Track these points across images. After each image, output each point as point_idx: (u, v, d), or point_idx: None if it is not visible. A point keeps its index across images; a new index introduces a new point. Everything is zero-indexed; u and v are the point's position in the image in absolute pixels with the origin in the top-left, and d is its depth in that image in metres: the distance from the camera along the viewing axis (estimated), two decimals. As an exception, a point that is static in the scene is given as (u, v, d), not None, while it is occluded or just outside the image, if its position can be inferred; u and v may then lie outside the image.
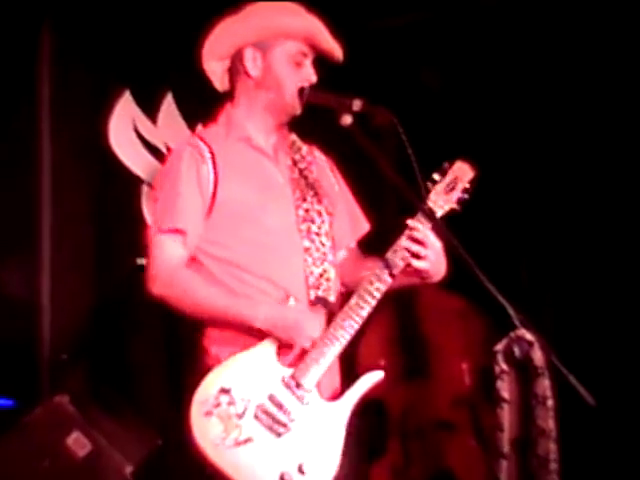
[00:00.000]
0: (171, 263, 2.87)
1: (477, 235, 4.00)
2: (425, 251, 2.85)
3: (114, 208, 4.52)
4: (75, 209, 4.53)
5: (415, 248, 2.84)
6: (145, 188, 4.58)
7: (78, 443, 3.88)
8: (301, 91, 2.94)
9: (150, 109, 4.71)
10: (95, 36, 4.49)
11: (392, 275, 2.84)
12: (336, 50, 3.01)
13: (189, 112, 4.63)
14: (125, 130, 4.64)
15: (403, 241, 2.85)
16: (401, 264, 2.85)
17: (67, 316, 4.45)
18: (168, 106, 4.75)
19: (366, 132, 2.85)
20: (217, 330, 2.88)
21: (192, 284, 2.86)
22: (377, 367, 4.54)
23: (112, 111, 4.60)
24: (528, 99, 4.62)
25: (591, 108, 4.48)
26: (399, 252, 2.85)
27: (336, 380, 2.93)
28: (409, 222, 2.86)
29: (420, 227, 2.85)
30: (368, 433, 4.50)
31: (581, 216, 4.52)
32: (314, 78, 2.96)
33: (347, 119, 2.86)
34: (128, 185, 4.60)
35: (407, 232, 2.85)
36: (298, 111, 2.97)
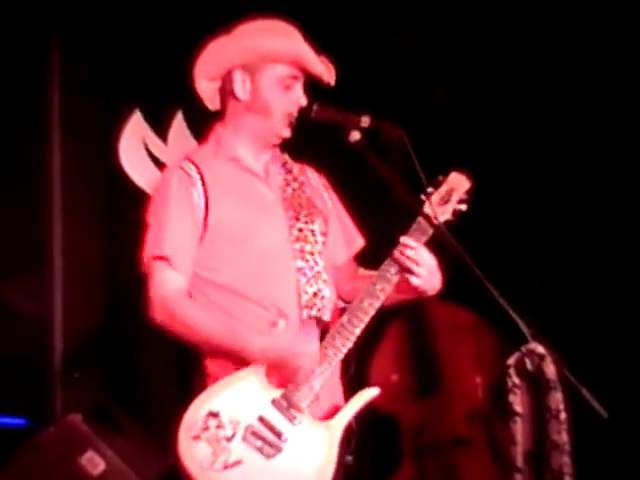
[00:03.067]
0: (168, 292, 2.85)
1: (489, 246, 4.02)
2: (418, 268, 2.84)
3: (124, 225, 4.53)
4: (86, 226, 4.55)
5: (408, 264, 2.84)
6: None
7: (92, 462, 3.88)
8: (304, 108, 2.92)
9: (160, 128, 4.73)
10: (105, 56, 4.52)
11: (384, 291, 2.83)
12: (324, 73, 2.96)
13: (199, 131, 4.65)
14: (136, 149, 4.66)
15: (395, 257, 2.85)
16: (394, 280, 2.84)
17: (78, 332, 4.47)
18: (178, 125, 4.76)
19: (374, 148, 2.85)
20: (217, 354, 2.85)
21: (190, 315, 2.84)
22: (389, 383, 4.60)
23: (123, 130, 4.62)
24: (536, 111, 4.63)
25: (602, 116, 4.48)
26: (391, 268, 2.85)
27: (337, 398, 2.90)
28: (402, 238, 2.85)
29: (413, 243, 2.84)
30: (381, 451, 4.50)
31: (594, 226, 4.51)
32: (304, 102, 2.93)
33: (355, 135, 2.86)
34: (138, 203, 4.61)
35: (399, 248, 2.85)
36: (287, 134, 2.95)
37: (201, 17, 4.42)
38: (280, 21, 2.97)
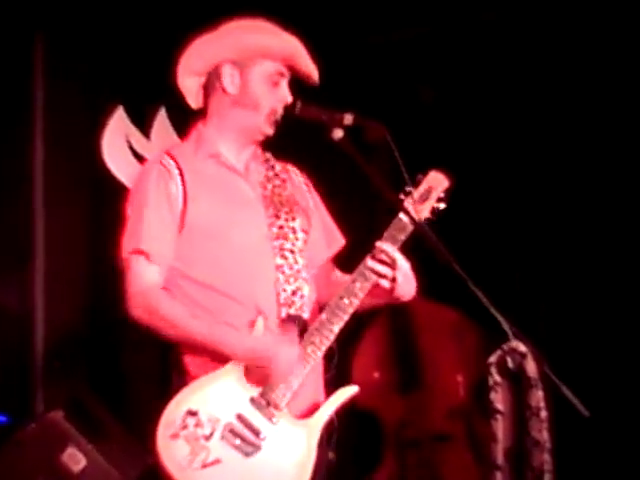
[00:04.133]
0: (145, 286, 2.83)
1: (471, 244, 4.03)
2: (392, 272, 2.84)
3: (107, 222, 4.52)
4: (68, 223, 4.53)
5: (382, 270, 2.84)
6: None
7: (73, 459, 3.87)
8: (288, 106, 2.93)
9: (143, 124, 4.72)
10: (87, 52, 4.51)
11: (363, 290, 2.83)
12: (313, 72, 2.99)
13: (182, 127, 4.64)
14: (118, 145, 4.64)
15: (369, 262, 2.85)
16: (373, 278, 2.84)
17: (60, 329, 4.45)
18: (161, 121, 4.75)
19: (358, 146, 2.85)
20: (195, 351, 2.84)
21: (168, 310, 2.82)
22: (371, 380, 4.62)
23: (105, 126, 4.61)
24: (522, 113, 4.64)
25: (585, 120, 4.50)
26: (366, 272, 2.84)
27: (318, 396, 2.89)
28: (377, 243, 2.85)
29: (388, 248, 2.84)
30: (363, 447, 4.51)
31: (575, 226, 4.53)
32: (289, 99, 2.94)
33: (338, 133, 2.86)
34: (121, 199, 4.60)
35: (374, 253, 2.85)
36: (270, 132, 2.95)
37: (184, 14, 4.41)
38: (266, 20, 2.97)
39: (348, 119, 2.87)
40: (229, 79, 2.94)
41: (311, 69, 2.98)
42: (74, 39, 4.49)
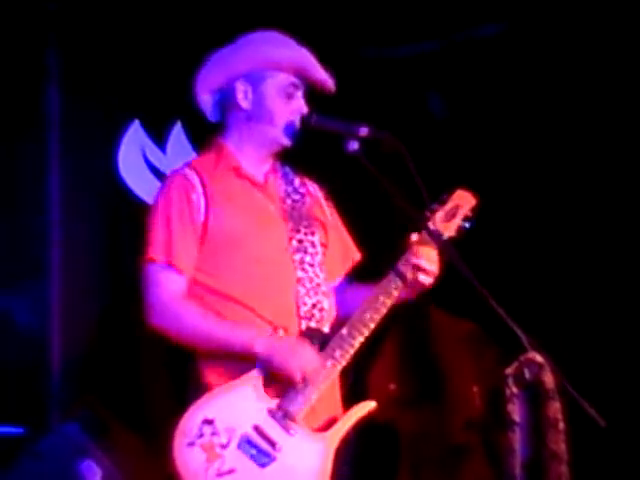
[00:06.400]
0: (166, 294, 2.85)
1: (485, 254, 4.02)
2: (431, 266, 2.87)
3: (124, 236, 4.54)
4: (85, 238, 4.54)
5: (422, 264, 2.86)
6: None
7: (89, 471, 3.88)
8: (303, 118, 2.94)
9: (159, 138, 4.74)
10: (104, 66, 4.52)
11: (385, 305, 2.84)
12: (327, 81, 3.00)
13: (198, 141, 4.66)
14: (134, 159, 4.66)
15: (409, 257, 2.86)
16: (396, 294, 2.85)
17: (77, 345, 4.46)
18: (177, 135, 4.77)
19: (374, 160, 2.86)
20: (213, 362, 2.86)
21: (188, 315, 2.84)
22: (387, 392, 4.61)
23: (122, 140, 4.63)
24: (532, 126, 4.64)
25: (593, 134, 4.50)
26: (394, 282, 2.85)
27: (335, 409, 2.90)
28: (413, 237, 2.87)
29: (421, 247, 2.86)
30: (379, 460, 4.50)
31: (589, 240, 4.52)
32: (305, 109, 2.96)
33: (353, 145, 2.88)
34: (137, 213, 4.61)
35: (412, 248, 2.86)
36: (288, 143, 2.96)
37: (199, 29, 4.44)
38: (279, 33, 3.00)
39: (363, 131, 2.88)
40: (242, 94, 2.97)
41: (324, 78, 2.99)
42: (90, 54, 4.50)
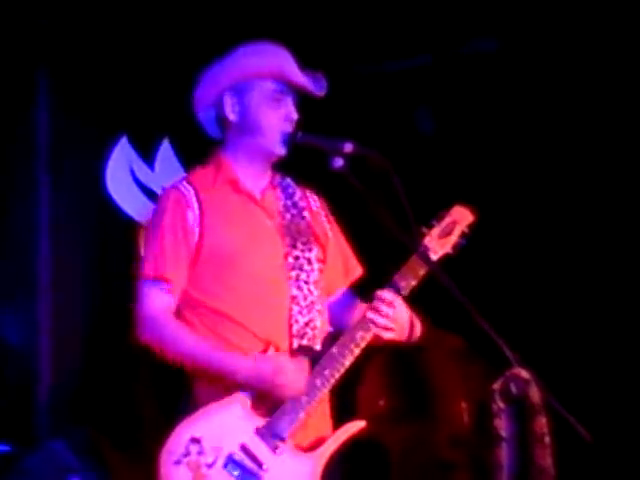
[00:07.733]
0: (156, 311, 2.86)
1: (472, 271, 4.03)
2: (391, 324, 2.87)
3: (113, 253, 4.54)
4: (74, 255, 4.54)
5: (380, 322, 2.86)
6: (143, 232, 4.59)
7: (76, 488, 3.87)
8: (290, 135, 2.94)
9: (147, 155, 4.75)
10: (92, 83, 4.53)
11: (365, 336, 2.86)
12: (308, 85, 2.98)
13: (186, 157, 4.67)
14: (122, 176, 4.66)
15: (368, 314, 2.87)
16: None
17: (65, 362, 4.46)
18: (165, 152, 4.78)
19: (359, 176, 2.87)
20: (204, 379, 2.86)
21: (177, 334, 2.85)
22: (376, 407, 4.61)
23: (109, 157, 4.63)
24: (523, 142, 4.66)
25: (584, 150, 4.51)
26: (366, 322, 2.87)
27: (324, 428, 2.90)
28: (377, 293, 2.88)
29: (388, 297, 2.87)
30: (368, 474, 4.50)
31: (575, 251, 4.53)
32: (295, 115, 2.97)
33: (338, 162, 2.88)
34: (125, 229, 4.63)
35: (374, 303, 2.87)
36: (282, 152, 2.97)
37: (190, 45, 4.45)
38: (267, 43, 3.01)
39: (348, 148, 2.88)
40: (230, 107, 2.98)
41: (303, 81, 2.98)
42: (78, 70, 4.51)
